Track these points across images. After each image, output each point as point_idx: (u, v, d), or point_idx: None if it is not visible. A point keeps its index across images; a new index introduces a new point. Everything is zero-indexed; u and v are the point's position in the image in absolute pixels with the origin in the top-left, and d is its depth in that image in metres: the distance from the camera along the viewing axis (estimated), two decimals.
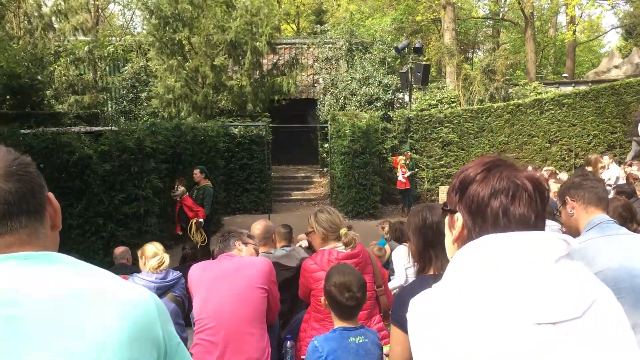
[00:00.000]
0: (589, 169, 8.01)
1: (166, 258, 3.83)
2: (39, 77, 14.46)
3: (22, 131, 7.63)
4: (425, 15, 20.16)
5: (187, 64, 14.04)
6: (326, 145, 15.54)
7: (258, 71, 15.04)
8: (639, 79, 13.68)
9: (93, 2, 19.28)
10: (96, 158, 7.66)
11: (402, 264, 4.41)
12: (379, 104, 15.78)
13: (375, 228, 8.24)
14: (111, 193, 7.81)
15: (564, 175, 8.53)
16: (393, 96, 16.27)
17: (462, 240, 1.10)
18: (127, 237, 7.74)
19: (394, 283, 4.32)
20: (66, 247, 6.25)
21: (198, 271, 2.90)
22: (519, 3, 21.48)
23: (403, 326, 1.84)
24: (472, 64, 25.66)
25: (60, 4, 16.25)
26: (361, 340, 2.43)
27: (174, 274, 3.87)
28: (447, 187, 1.22)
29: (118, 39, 19.13)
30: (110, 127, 10.03)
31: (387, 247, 5.61)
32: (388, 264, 5.01)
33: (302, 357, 2.71)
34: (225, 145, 12.67)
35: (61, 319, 0.93)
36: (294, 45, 18.74)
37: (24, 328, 0.91)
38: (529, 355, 0.90)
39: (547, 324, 0.92)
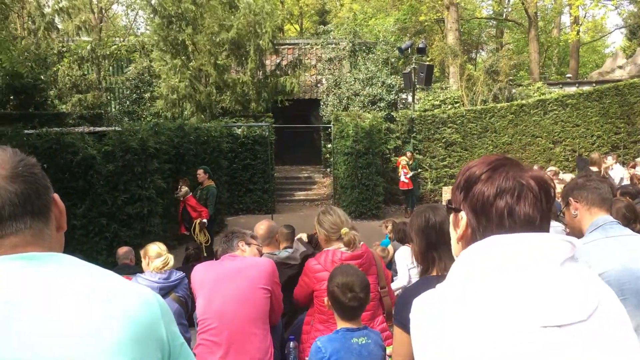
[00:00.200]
0: (594, 168, 7.98)
1: (170, 258, 3.83)
2: (42, 77, 14.52)
3: (26, 131, 7.63)
4: (428, 15, 20.12)
5: (191, 63, 14.07)
6: (329, 145, 15.52)
7: (261, 71, 15.06)
8: None
9: (96, 3, 19.34)
10: (100, 158, 7.66)
11: (405, 264, 4.41)
12: (382, 105, 15.76)
13: (378, 228, 8.23)
14: (114, 193, 7.81)
15: (567, 176, 8.50)
16: (396, 96, 16.26)
17: (466, 239, 1.10)
18: (131, 238, 7.73)
19: (397, 284, 4.32)
20: (70, 247, 6.24)
21: (201, 272, 2.91)
22: (523, 3, 21.38)
23: (406, 327, 1.83)
24: (476, 65, 25.61)
25: (61, 1, 16.27)
26: (364, 341, 2.43)
27: (177, 275, 3.86)
28: (451, 187, 1.22)
29: (121, 39, 19.18)
30: (113, 128, 10.05)
31: (390, 247, 5.60)
32: (391, 265, 5.01)
33: (305, 358, 2.71)
34: (228, 146, 12.67)
35: (65, 319, 0.93)
36: (297, 46, 18.78)
37: (28, 328, 0.91)
38: (535, 358, 0.90)
39: (553, 326, 0.91)
